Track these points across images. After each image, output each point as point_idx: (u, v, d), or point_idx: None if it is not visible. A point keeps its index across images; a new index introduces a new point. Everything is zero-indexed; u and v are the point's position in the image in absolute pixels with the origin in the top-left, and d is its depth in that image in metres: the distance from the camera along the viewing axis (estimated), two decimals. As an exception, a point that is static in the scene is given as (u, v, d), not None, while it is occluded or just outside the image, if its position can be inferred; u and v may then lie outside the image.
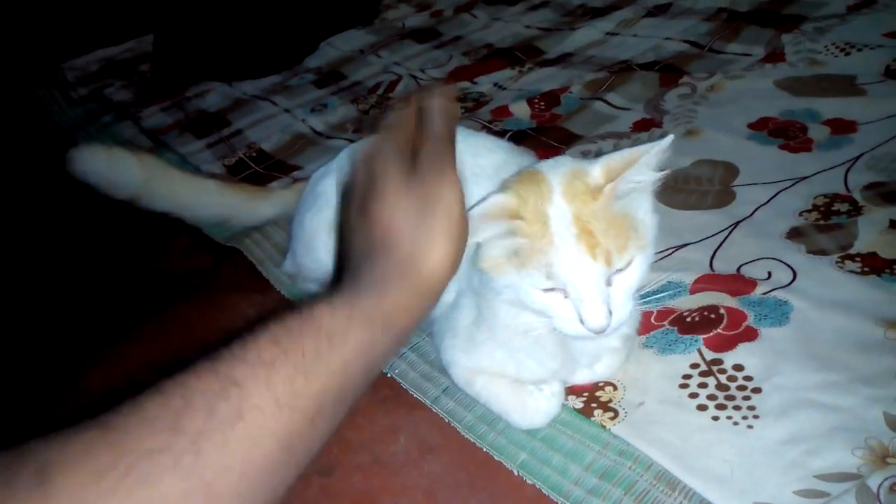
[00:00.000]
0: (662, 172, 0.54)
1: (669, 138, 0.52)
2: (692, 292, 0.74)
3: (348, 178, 0.51)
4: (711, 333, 0.68)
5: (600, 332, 0.54)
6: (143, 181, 0.87)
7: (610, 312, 0.53)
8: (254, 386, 0.36)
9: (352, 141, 0.84)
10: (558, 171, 0.56)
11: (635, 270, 0.55)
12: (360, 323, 0.41)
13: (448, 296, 0.70)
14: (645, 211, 0.56)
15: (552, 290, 0.54)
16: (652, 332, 0.71)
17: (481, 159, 0.70)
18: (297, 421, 0.37)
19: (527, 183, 0.56)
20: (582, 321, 0.53)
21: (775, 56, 1.18)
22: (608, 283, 0.54)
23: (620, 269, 0.54)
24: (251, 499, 0.36)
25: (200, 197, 0.92)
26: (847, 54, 1.13)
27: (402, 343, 0.44)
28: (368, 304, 0.42)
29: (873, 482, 0.53)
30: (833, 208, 0.81)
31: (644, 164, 0.52)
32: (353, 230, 0.47)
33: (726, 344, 0.67)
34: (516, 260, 0.54)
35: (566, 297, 0.54)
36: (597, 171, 0.55)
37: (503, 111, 1.19)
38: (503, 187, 0.56)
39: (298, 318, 0.40)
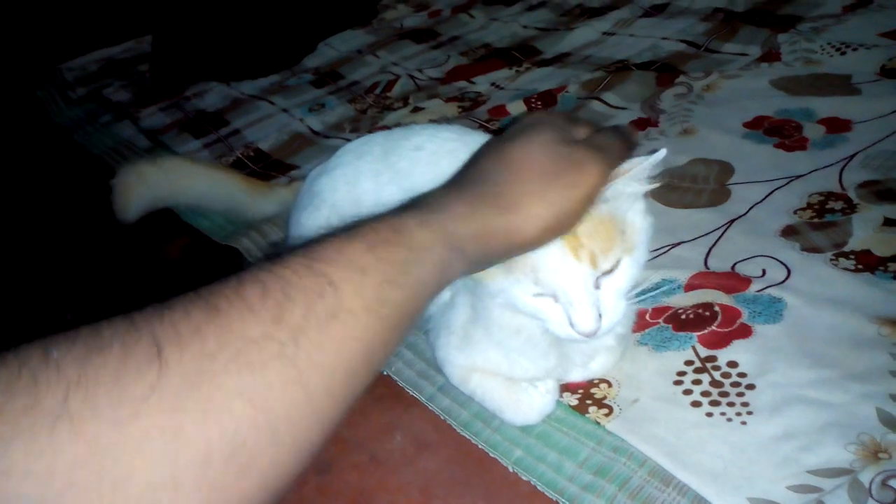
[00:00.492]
0: (653, 185, 0.55)
1: (662, 153, 0.52)
2: (687, 290, 0.74)
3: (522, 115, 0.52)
4: (706, 331, 0.69)
5: (591, 335, 0.54)
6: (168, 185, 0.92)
7: (600, 316, 0.54)
8: (347, 289, 0.37)
9: (349, 140, 0.84)
10: None
11: (624, 273, 0.54)
12: (441, 243, 0.42)
13: (444, 295, 0.70)
14: (636, 213, 0.56)
15: (542, 295, 0.54)
16: (647, 330, 0.71)
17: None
18: (380, 329, 0.38)
19: None
20: (572, 325, 0.54)
21: (771, 56, 1.18)
22: (597, 286, 0.54)
23: (608, 272, 0.54)
24: (336, 397, 0.37)
25: (217, 186, 0.95)
26: (843, 54, 1.13)
27: (470, 272, 0.45)
28: (452, 226, 0.43)
29: (865, 477, 0.53)
30: (827, 206, 0.82)
31: (632, 178, 0.52)
32: (481, 154, 0.48)
33: (720, 341, 0.67)
34: (504, 266, 0.54)
35: (556, 301, 0.54)
36: None
37: (500, 111, 1.19)
38: None
39: (391, 227, 0.41)
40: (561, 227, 0.47)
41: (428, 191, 0.48)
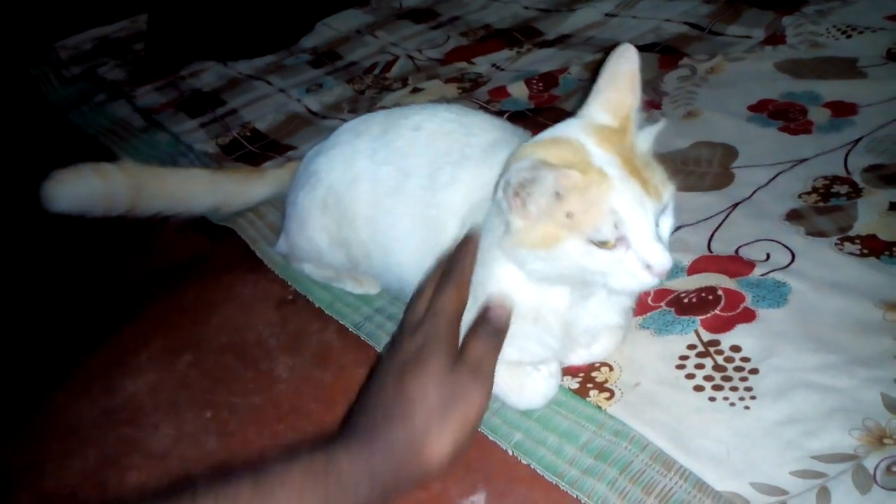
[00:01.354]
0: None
1: (629, 47, 0.53)
2: (690, 273, 0.73)
3: (397, 331, 0.55)
4: (709, 314, 0.68)
5: (664, 274, 0.52)
6: (132, 191, 0.84)
7: (669, 254, 0.52)
8: None
9: (347, 121, 0.83)
10: (572, 128, 0.55)
11: (671, 213, 0.54)
12: (366, 478, 0.45)
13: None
14: (647, 143, 0.56)
15: (614, 246, 0.51)
16: (649, 314, 0.70)
17: (473, 139, 0.69)
18: None
19: (548, 145, 0.55)
20: (649, 267, 0.51)
21: (776, 38, 1.16)
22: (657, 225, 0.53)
23: (664, 210, 0.53)
24: None
25: (193, 189, 0.90)
26: (848, 37, 1.11)
27: (378, 499, 0.47)
28: (374, 463, 0.46)
29: (870, 463, 0.53)
30: (832, 190, 0.81)
31: (639, 80, 0.54)
32: (382, 386, 0.50)
33: (724, 325, 0.67)
34: (570, 222, 0.51)
35: (627, 249, 0.52)
36: (600, 115, 0.54)
37: (501, 92, 1.17)
38: (523, 155, 0.54)
39: (325, 457, 0.45)
40: (462, 450, 0.49)
41: (350, 419, 0.51)
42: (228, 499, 0.41)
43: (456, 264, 0.53)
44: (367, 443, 0.47)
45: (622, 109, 0.54)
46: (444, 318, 0.52)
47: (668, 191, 0.53)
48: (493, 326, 0.52)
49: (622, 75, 0.55)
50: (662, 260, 0.51)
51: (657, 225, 0.52)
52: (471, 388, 0.50)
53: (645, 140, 0.55)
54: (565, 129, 0.56)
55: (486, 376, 0.51)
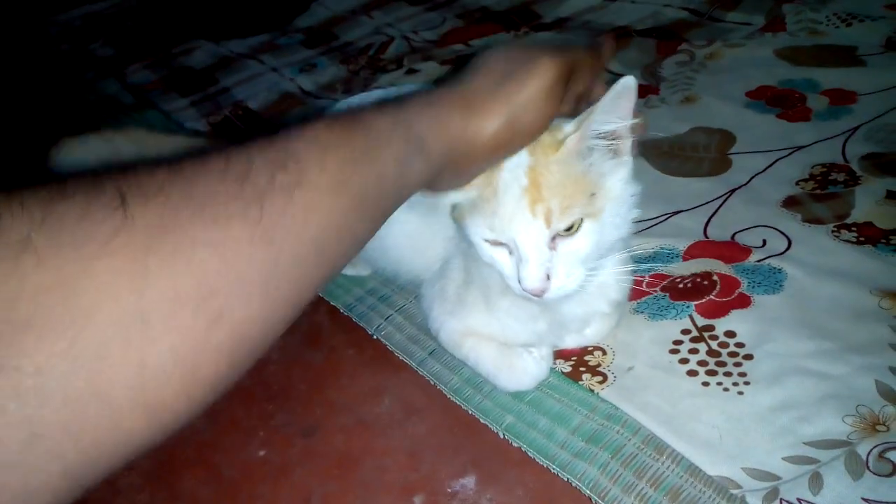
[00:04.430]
0: (632, 121, 0.51)
1: (629, 79, 0.48)
2: (685, 259, 0.73)
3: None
4: (704, 300, 0.67)
5: (537, 295, 0.51)
6: (136, 156, 0.83)
7: (548, 278, 0.51)
8: (310, 163, 0.37)
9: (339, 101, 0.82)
10: None
11: (584, 238, 0.51)
12: (400, 131, 0.41)
13: (435, 264, 0.68)
14: (616, 180, 0.52)
15: (499, 244, 0.53)
16: (643, 298, 0.69)
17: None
18: (345, 205, 0.38)
19: None
20: (519, 280, 0.52)
21: (775, 25, 1.15)
22: (552, 248, 0.51)
23: (566, 235, 0.51)
24: (306, 265, 0.37)
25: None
26: (848, 25, 1.11)
27: (431, 180, 0.44)
28: (407, 116, 0.42)
29: (863, 449, 0.52)
30: (830, 178, 0.80)
31: (605, 112, 0.49)
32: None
33: (719, 310, 0.66)
34: (473, 208, 0.53)
35: (511, 254, 0.52)
36: (570, 125, 0.52)
37: (497, 75, 1.16)
38: None
39: (350, 114, 0.41)
40: (523, 126, 0.46)
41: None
42: (242, 158, 0.35)
43: (603, 46, 0.54)
44: (400, 100, 0.44)
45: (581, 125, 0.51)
46: (572, 49, 0.49)
47: (564, 219, 0.50)
48: (601, 47, 0.53)
49: (613, 100, 0.49)
50: (529, 279, 0.51)
51: (552, 246, 0.51)
52: (540, 54, 0.47)
53: (600, 165, 0.52)
54: None
55: (564, 52, 0.48)
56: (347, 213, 0.38)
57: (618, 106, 0.49)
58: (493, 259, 0.54)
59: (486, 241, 0.53)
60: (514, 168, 0.50)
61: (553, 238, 0.51)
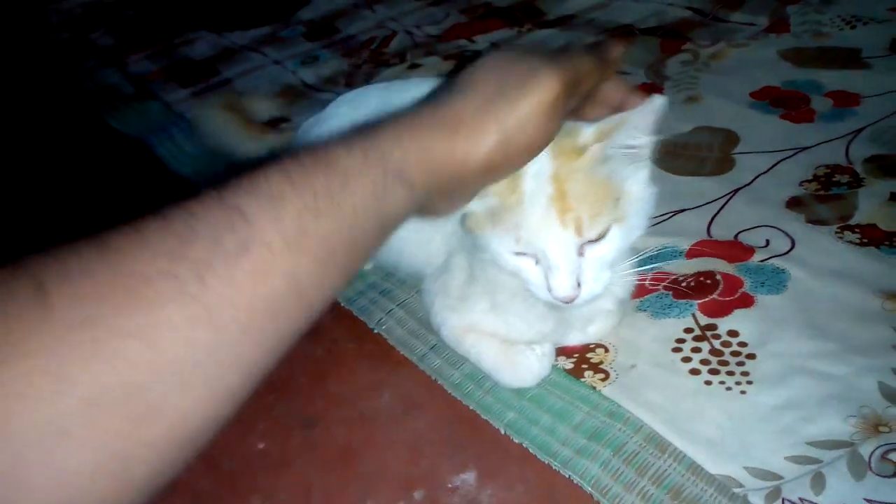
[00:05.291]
0: (656, 137, 0.51)
1: (662, 100, 0.48)
2: (688, 257, 0.73)
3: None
4: (707, 299, 0.67)
5: (568, 302, 0.52)
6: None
7: (579, 284, 0.51)
8: (261, 220, 0.33)
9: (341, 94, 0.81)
10: None
11: (611, 243, 0.51)
12: (374, 165, 0.37)
13: (438, 258, 0.68)
14: (636, 181, 0.53)
15: (524, 255, 0.52)
16: (646, 296, 0.69)
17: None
18: (306, 262, 0.35)
19: None
20: (549, 289, 0.51)
21: (780, 26, 1.15)
22: (580, 254, 0.51)
23: (593, 241, 0.51)
24: (257, 335, 0.33)
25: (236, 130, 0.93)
26: (853, 27, 1.11)
27: (420, 208, 0.40)
28: (382, 148, 0.38)
29: (865, 450, 0.52)
30: (834, 179, 0.80)
31: (633, 127, 0.49)
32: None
33: (721, 310, 0.66)
34: (493, 219, 0.52)
35: (537, 262, 0.52)
36: (590, 129, 0.51)
37: (501, 71, 1.15)
38: None
39: (313, 155, 0.37)
40: (519, 146, 0.42)
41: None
42: (183, 222, 0.32)
43: (610, 52, 0.50)
44: (374, 132, 0.40)
45: (604, 133, 0.50)
46: (577, 59, 0.46)
47: (594, 227, 0.50)
48: (609, 53, 0.49)
49: (637, 112, 0.49)
50: (561, 288, 0.51)
51: (580, 252, 0.51)
52: (540, 65, 0.43)
53: (621, 170, 0.52)
54: None
55: (566, 63, 0.44)
56: (309, 269, 0.35)
57: (647, 122, 0.49)
58: (518, 268, 0.53)
59: (510, 252, 0.52)
60: (537, 176, 0.49)
61: (580, 246, 0.51)
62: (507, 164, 0.44)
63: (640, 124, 0.49)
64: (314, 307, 0.37)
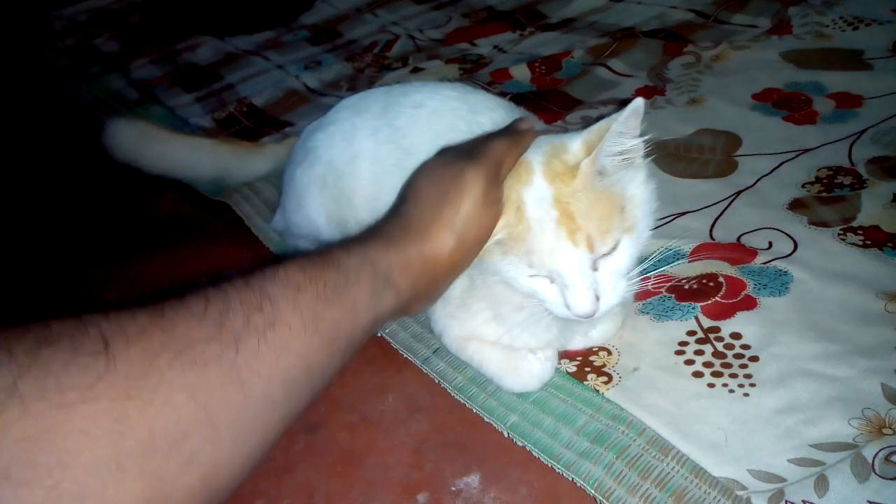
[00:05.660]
0: (643, 138, 0.51)
1: (639, 101, 0.48)
2: (691, 260, 0.73)
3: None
4: (709, 301, 0.67)
5: (588, 317, 0.52)
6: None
7: (597, 298, 0.51)
8: (284, 303, 0.39)
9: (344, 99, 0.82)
10: (538, 150, 0.54)
11: (623, 254, 0.52)
12: (368, 269, 0.44)
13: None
14: (636, 185, 0.53)
15: (538, 276, 0.52)
16: (648, 299, 0.69)
17: (479, 117, 0.67)
18: (316, 343, 0.40)
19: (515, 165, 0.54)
20: (568, 307, 0.52)
21: (782, 28, 1.15)
22: (594, 268, 0.51)
23: (606, 254, 0.51)
24: (274, 404, 0.39)
25: (195, 155, 0.89)
26: (855, 28, 1.11)
27: (403, 309, 0.46)
28: (372, 254, 0.45)
29: (869, 452, 0.52)
30: (836, 181, 0.80)
31: (616, 133, 0.49)
32: (399, 196, 0.51)
33: (724, 312, 0.66)
34: (501, 247, 0.52)
35: (552, 282, 0.52)
36: (576, 146, 0.52)
37: (503, 74, 1.16)
38: None
39: (320, 255, 0.43)
40: (470, 240, 0.48)
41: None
42: (219, 299, 0.38)
43: (517, 128, 0.55)
44: (362, 238, 0.46)
45: (591, 147, 0.51)
46: (491, 147, 0.51)
47: (606, 242, 0.50)
48: (516, 130, 0.54)
49: (619, 121, 0.49)
50: (580, 304, 0.51)
51: (594, 267, 0.51)
52: (463, 169, 0.49)
53: (620, 178, 0.52)
54: (538, 147, 0.54)
55: (484, 157, 0.50)
56: (319, 351, 0.41)
57: (629, 126, 0.50)
58: (534, 290, 0.53)
59: (524, 275, 0.53)
60: (540, 202, 0.50)
61: (594, 261, 0.51)
62: (467, 257, 0.50)
63: (623, 129, 0.49)
64: (316, 387, 0.42)
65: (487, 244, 0.53)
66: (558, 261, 0.50)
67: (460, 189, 0.48)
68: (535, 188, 0.51)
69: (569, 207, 0.50)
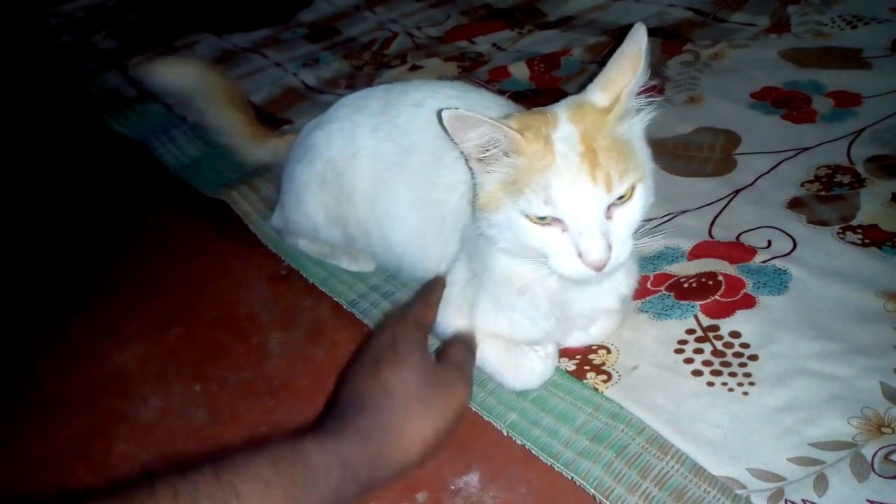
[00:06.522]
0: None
1: (641, 27, 0.52)
2: (690, 258, 0.73)
3: (371, 335, 0.57)
4: (709, 300, 0.67)
5: (599, 268, 0.51)
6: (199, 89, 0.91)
7: (609, 248, 0.51)
8: (251, 500, 0.40)
9: (343, 97, 0.81)
10: (563, 103, 0.55)
11: (636, 203, 0.52)
12: (337, 466, 0.44)
13: (437, 260, 0.68)
14: (639, 140, 0.54)
15: (549, 224, 0.52)
16: (648, 298, 0.69)
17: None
18: None
19: (531, 114, 0.55)
20: (580, 255, 0.51)
21: (780, 26, 1.15)
22: (608, 217, 0.51)
23: (621, 200, 0.51)
24: None
25: (230, 118, 0.91)
26: (853, 27, 1.11)
27: (364, 494, 0.47)
28: (345, 451, 0.46)
29: (868, 451, 0.52)
30: (835, 180, 0.80)
31: (642, 74, 0.52)
32: (357, 379, 0.51)
33: (724, 310, 0.66)
34: (513, 189, 0.52)
35: (564, 230, 0.51)
36: (597, 95, 0.53)
37: (501, 72, 1.16)
38: (508, 121, 0.53)
39: (292, 448, 0.44)
40: (440, 443, 0.50)
41: (326, 417, 0.51)
42: (188, 491, 0.39)
43: (429, 290, 0.60)
44: (337, 432, 0.47)
45: (616, 88, 0.53)
46: (414, 321, 0.56)
47: (623, 182, 0.50)
48: (467, 341, 0.59)
49: (625, 55, 0.53)
50: (594, 250, 0.50)
51: (608, 215, 0.51)
52: (455, 380, 0.52)
53: (633, 125, 0.54)
54: (557, 104, 0.56)
55: (467, 375, 0.54)
56: None
57: (646, 66, 0.52)
58: (544, 242, 0.52)
59: (534, 220, 0.52)
60: (566, 139, 0.51)
61: (608, 207, 0.51)
62: (435, 453, 0.50)
63: (645, 69, 0.52)
64: None
65: (496, 193, 0.53)
66: (577, 197, 0.50)
67: (451, 400, 0.50)
68: (561, 129, 0.51)
69: (593, 143, 0.50)
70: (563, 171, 0.50)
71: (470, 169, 0.56)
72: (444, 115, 0.51)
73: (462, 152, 0.54)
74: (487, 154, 0.52)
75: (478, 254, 0.60)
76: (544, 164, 0.50)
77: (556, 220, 0.51)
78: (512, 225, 0.53)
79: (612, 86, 0.53)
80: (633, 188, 0.51)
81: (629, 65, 0.52)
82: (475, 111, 0.66)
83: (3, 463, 0.67)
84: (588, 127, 0.51)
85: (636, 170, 0.51)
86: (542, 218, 0.51)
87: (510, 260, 0.57)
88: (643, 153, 0.54)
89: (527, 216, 0.52)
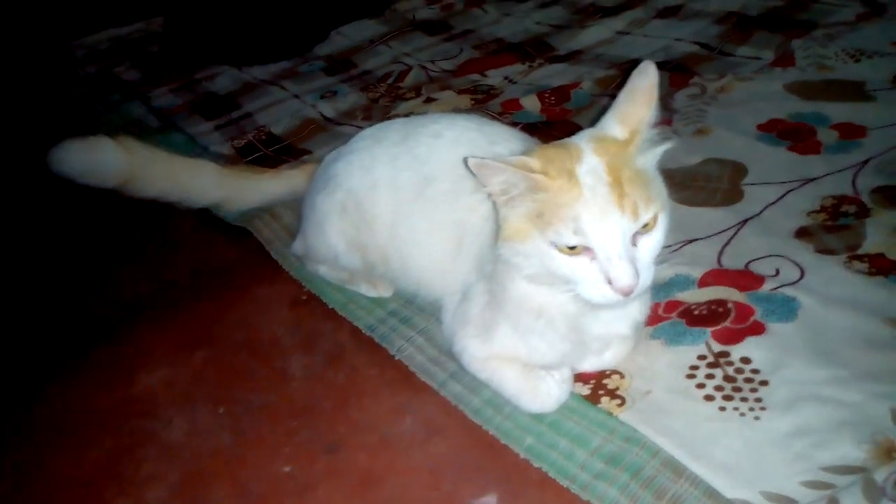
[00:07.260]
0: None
1: (650, 64, 0.56)
2: (700, 286, 0.74)
3: None
4: (719, 326, 0.69)
5: (628, 293, 0.53)
6: (129, 166, 0.85)
7: (637, 273, 0.53)
8: None
9: (361, 128, 0.84)
10: (584, 136, 0.57)
11: (660, 231, 0.55)
12: None
13: (454, 286, 0.70)
14: (654, 172, 0.57)
15: (578, 254, 0.53)
16: (660, 324, 0.71)
17: (497, 147, 0.70)
18: None
19: (553, 147, 0.57)
20: (610, 281, 0.53)
21: (785, 60, 1.18)
22: (633, 244, 0.54)
23: (645, 229, 0.54)
24: None
25: (197, 180, 0.89)
26: (857, 61, 1.14)
27: None
28: None
29: (879, 476, 0.54)
30: (841, 210, 0.82)
31: (654, 110, 0.55)
32: None
33: (734, 337, 0.68)
34: (540, 221, 0.54)
35: (592, 259, 0.53)
36: (616, 128, 0.56)
37: (513, 104, 1.19)
38: (533, 153, 0.56)
39: None
40: None
41: None
42: None
43: None
44: None
45: (633, 122, 0.56)
46: None
47: (649, 211, 0.53)
48: None
49: (639, 90, 0.56)
50: (623, 276, 0.52)
51: (633, 243, 0.53)
52: None
53: (649, 157, 0.56)
54: (577, 137, 0.58)
55: None
56: None
57: (658, 100, 0.55)
58: (573, 269, 0.54)
59: (563, 250, 0.54)
60: (592, 171, 0.53)
61: (633, 235, 0.53)
62: None
63: (657, 105, 0.56)
64: None
65: (522, 225, 0.55)
66: (606, 226, 0.52)
67: None
68: (586, 161, 0.54)
69: (619, 174, 0.53)
70: (591, 202, 0.52)
71: (494, 203, 0.58)
72: (471, 163, 0.54)
73: (489, 194, 0.57)
74: (512, 195, 0.55)
75: (497, 278, 0.62)
76: (571, 196, 0.53)
77: (586, 249, 0.53)
78: (541, 254, 0.55)
79: (628, 119, 0.56)
80: (655, 217, 0.54)
81: (643, 99, 0.55)
82: (495, 143, 0.70)
83: (35, 483, 0.68)
84: (612, 158, 0.54)
85: (658, 199, 0.54)
86: (572, 247, 0.53)
87: (528, 285, 0.59)
88: (659, 183, 0.57)
89: (556, 246, 0.54)
